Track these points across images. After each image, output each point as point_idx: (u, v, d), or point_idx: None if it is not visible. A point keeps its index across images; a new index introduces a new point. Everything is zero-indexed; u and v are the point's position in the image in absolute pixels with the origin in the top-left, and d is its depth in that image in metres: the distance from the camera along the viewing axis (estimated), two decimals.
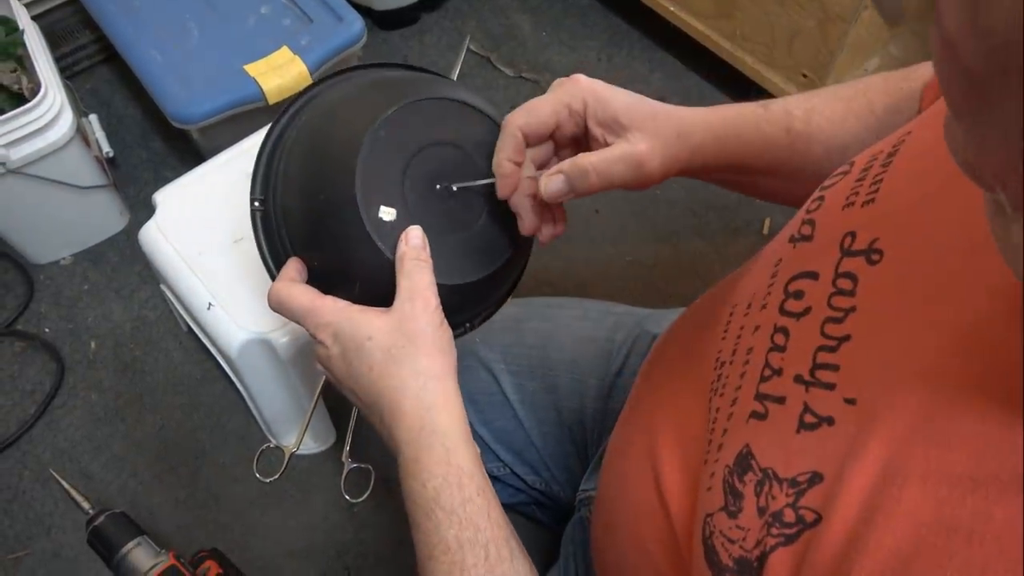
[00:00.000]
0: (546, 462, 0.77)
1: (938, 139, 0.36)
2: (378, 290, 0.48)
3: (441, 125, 0.50)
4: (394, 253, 0.48)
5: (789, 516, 0.31)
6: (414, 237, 0.48)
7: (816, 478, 0.31)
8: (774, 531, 0.31)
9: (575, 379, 0.74)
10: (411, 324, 0.45)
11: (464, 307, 0.54)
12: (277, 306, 0.50)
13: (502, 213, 0.51)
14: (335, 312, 0.47)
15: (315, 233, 0.51)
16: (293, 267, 0.52)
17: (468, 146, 0.50)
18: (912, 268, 0.33)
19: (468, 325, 0.56)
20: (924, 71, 0.50)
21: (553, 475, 0.77)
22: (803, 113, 0.50)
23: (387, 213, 0.48)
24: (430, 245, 0.49)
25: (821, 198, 0.41)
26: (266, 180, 0.53)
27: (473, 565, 0.41)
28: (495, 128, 0.50)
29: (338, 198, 0.48)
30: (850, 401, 0.32)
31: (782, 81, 1.34)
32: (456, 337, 0.50)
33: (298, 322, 0.49)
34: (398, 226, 0.48)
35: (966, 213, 0.32)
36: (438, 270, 0.48)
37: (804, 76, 1.30)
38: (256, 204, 0.53)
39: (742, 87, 1.46)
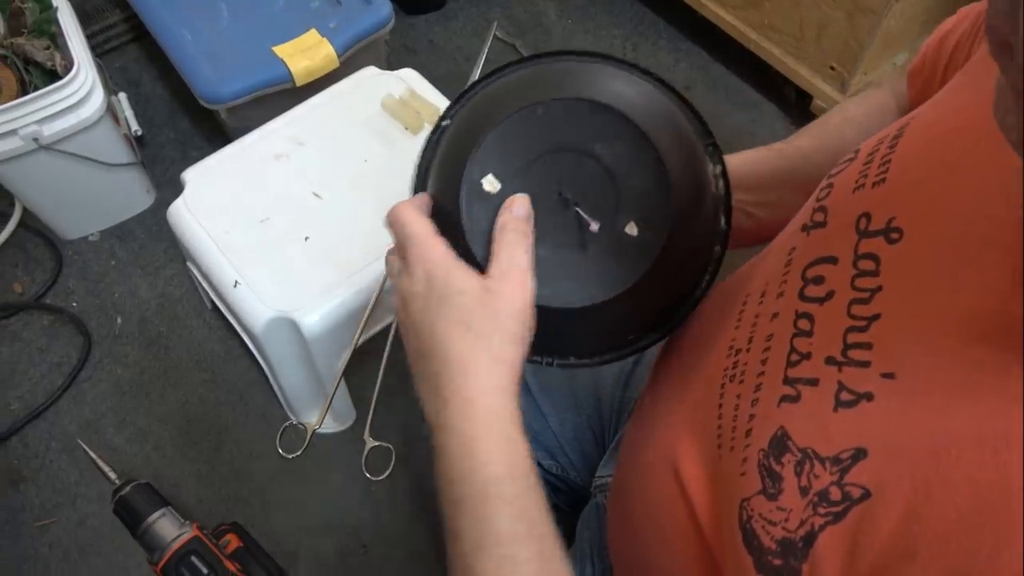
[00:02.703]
0: (563, 447, 0.77)
1: (945, 117, 0.37)
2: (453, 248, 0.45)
3: (605, 141, 0.45)
4: (471, 220, 0.45)
5: (835, 494, 0.31)
6: (519, 207, 0.44)
7: (860, 454, 0.31)
8: (821, 510, 0.31)
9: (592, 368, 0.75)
10: (498, 301, 0.42)
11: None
12: (394, 221, 0.46)
13: (618, 256, 0.45)
14: (442, 255, 0.44)
15: (444, 165, 0.50)
16: (423, 198, 0.49)
17: (619, 175, 0.45)
18: (935, 242, 0.33)
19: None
20: (877, 93, 0.59)
21: (570, 460, 0.78)
22: (781, 142, 0.58)
23: (491, 184, 0.45)
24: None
25: (830, 185, 0.41)
26: (457, 112, 0.52)
27: (527, 560, 0.38)
28: (661, 177, 0.44)
29: (461, 150, 0.46)
30: (888, 375, 0.32)
31: (809, 73, 1.33)
32: None
33: (401, 244, 0.46)
34: (495, 200, 0.45)
35: (983, 184, 0.32)
36: None
37: (832, 69, 1.29)
38: (444, 122, 0.52)
39: (768, 79, 1.45)
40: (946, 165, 0.34)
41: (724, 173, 0.49)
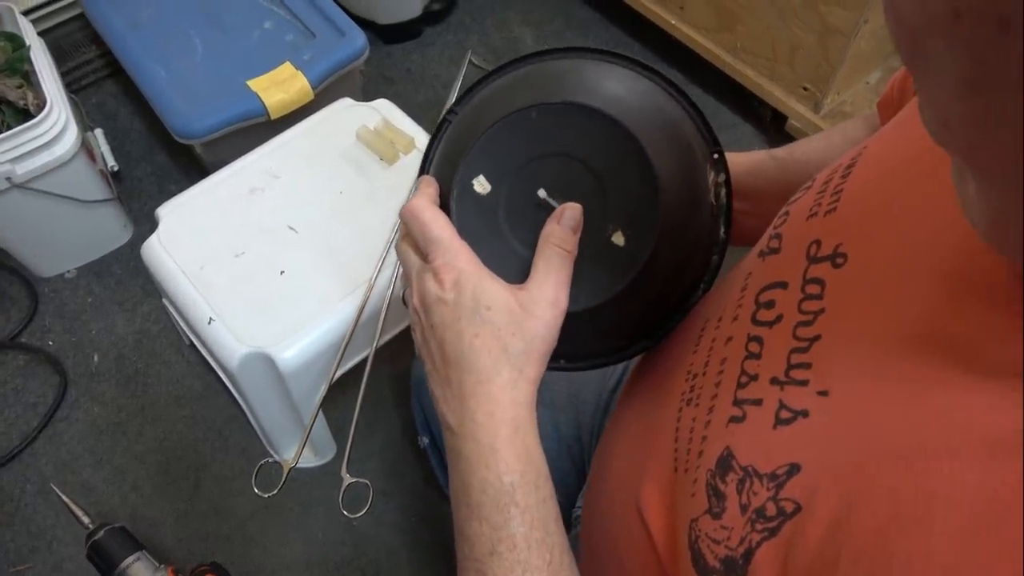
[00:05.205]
0: None
1: (894, 149, 0.38)
2: None
3: (596, 146, 0.44)
4: (461, 218, 0.46)
5: (771, 510, 0.31)
6: (569, 217, 0.44)
7: (794, 469, 0.31)
8: (758, 527, 0.32)
9: (572, 394, 0.75)
10: (530, 320, 0.43)
11: None
12: (413, 220, 0.46)
13: (604, 264, 0.45)
14: (471, 263, 0.44)
15: (441, 163, 0.50)
16: (435, 188, 0.48)
17: (608, 181, 0.45)
18: (874, 267, 0.34)
19: None
20: (872, 116, 0.57)
21: None
22: (782, 149, 0.57)
23: (481, 185, 0.45)
24: (497, 245, 0.46)
25: (787, 213, 0.42)
26: (464, 104, 0.52)
27: (538, 568, 0.39)
28: (651, 187, 0.44)
29: (460, 146, 0.46)
30: (823, 393, 0.32)
31: (783, 94, 1.34)
32: None
33: (423, 246, 0.46)
34: (483, 203, 0.45)
35: (924, 212, 0.33)
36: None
37: (805, 89, 1.30)
38: (449, 115, 0.52)
39: (744, 100, 1.46)
40: (894, 195, 0.35)
41: (727, 182, 0.49)
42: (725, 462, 0.35)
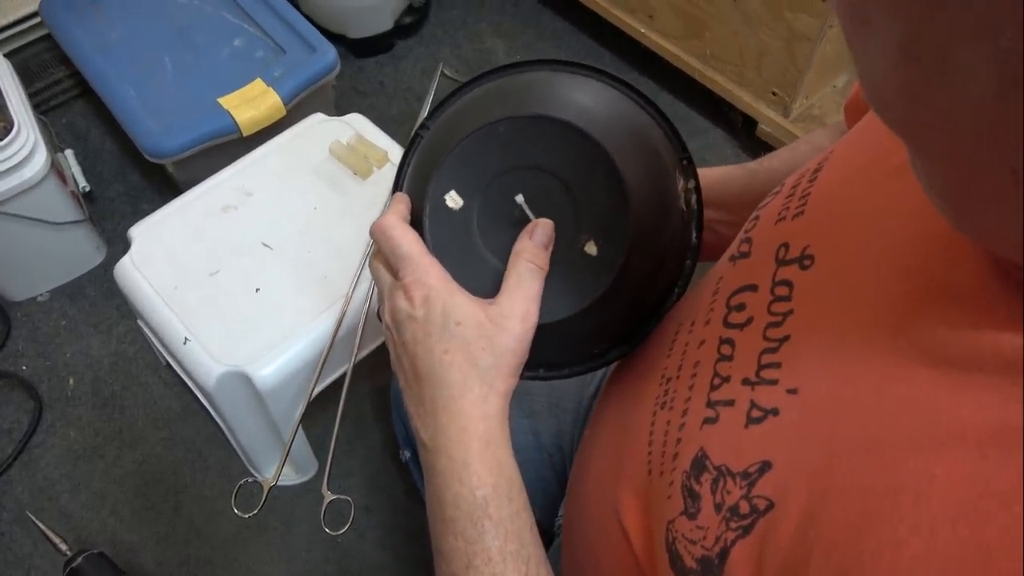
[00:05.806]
0: (525, 488, 0.76)
1: (859, 151, 0.38)
2: None
3: (565, 158, 0.45)
4: (434, 235, 0.46)
5: (744, 508, 0.32)
6: (540, 233, 0.44)
7: (765, 467, 0.32)
8: (733, 525, 0.32)
9: (552, 403, 0.75)
10: (500, 335, 0.43)
11: None
12: (382, 237, 0.46)
13: (578, 274, 0.45)
14: (440, 279, 0.44)
15: (413, 179, 0.50)
16: (406, 204, 0.48)
17: (578, 192, 0.45)
18: (840, 267, 0.35)
19: None
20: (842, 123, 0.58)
21: (532, 500, 0.77)
22: (753, 161, 0.58)
23: (453, 200, 0.46)
24: (471, 260, 0.46)
25: (757, 217, 0.43)
26: (435, 119, 0.52)
27: None
28: (620, 195, 0.44)
29: (431, 162, 0.47)
30: (792, 391, 0.33)
31: (752, 100, 1.36)
32: None
33: (392, 263, 0.46)
34: (455, 218, 0.46)
35: (886, 211, 0.34)
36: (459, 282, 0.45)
37: (774, 94, 1.32)
38: (421, 131, 0.52)
39: (715, 106, 1.48)
40: (858, 196, 0.36)
41: (697, 188, 0.49)
42: (699, 463, 0.36)
